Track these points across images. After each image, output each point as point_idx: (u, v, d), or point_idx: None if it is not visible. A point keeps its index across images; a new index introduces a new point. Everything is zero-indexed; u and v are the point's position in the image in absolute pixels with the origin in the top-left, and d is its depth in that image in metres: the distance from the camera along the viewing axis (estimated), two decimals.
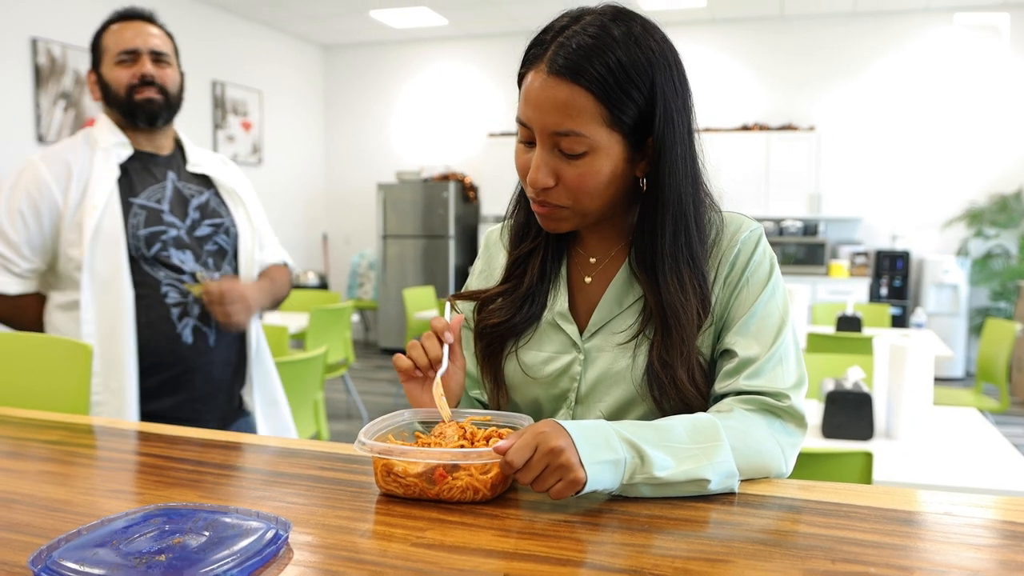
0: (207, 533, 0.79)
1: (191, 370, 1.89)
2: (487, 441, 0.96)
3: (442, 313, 1.08)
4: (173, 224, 1.91)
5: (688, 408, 1.03)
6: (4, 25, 5.27)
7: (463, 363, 1.10)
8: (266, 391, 2.08)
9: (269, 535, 0.78)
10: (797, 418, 1.01)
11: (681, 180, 1.01)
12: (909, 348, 2.16)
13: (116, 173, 1.86)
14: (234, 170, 2.13)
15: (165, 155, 1.99)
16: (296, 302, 5.80)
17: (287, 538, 0.79)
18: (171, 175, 1.96)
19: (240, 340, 2.02)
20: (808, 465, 1.64)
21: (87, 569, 0.71)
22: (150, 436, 1.24)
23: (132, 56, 1.90)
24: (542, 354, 1.11)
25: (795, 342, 1.05)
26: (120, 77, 1.89)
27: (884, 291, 6.93)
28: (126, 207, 1.86)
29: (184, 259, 1.90)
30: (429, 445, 0.97)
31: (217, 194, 2.03)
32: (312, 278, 8.08)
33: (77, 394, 1.62)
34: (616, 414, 1.06)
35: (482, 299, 1.16)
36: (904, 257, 6.88)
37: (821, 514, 0.88)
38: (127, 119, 1.92)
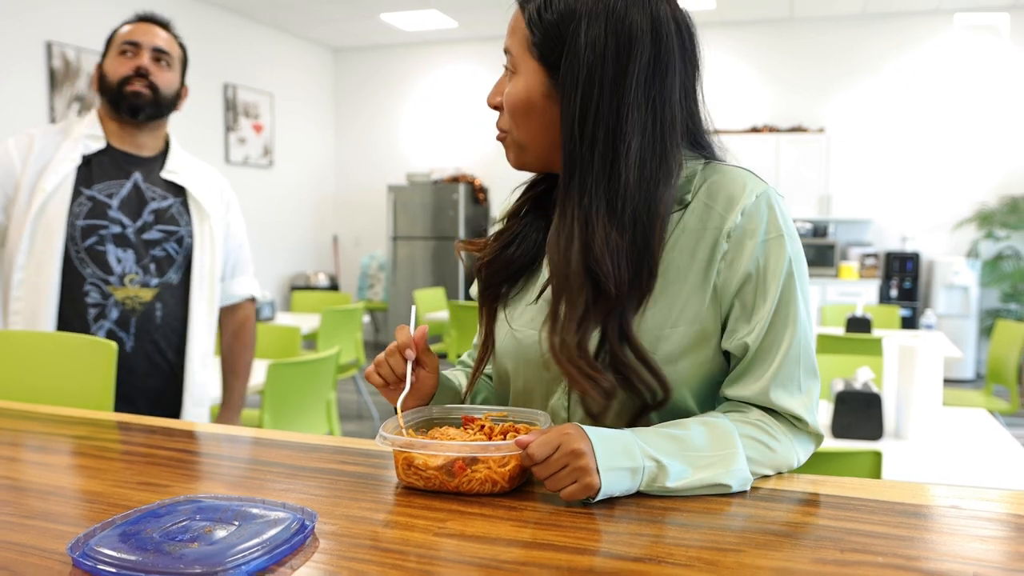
0: (236, 523, 0.81)
1: None
2: (505, 436, 0.99)
3: (413, 320, 1.08)
4: (118, 221, 1.90)
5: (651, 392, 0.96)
6: (20, 28, 5.33)
7: (435, 363, 1.08)
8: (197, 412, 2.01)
9: (296, 525, 0.81)
10: (815, 436, 1.02)
11: (584, 126, 0.95)
12: (919, 349, 2.18)
13: (76, 162, 1.88)
14: (219, 192, 2.08)
15: (140, 155, 1.98)
16: (307, 303, 5.84)
17: (313, 528, 0.82)
18: (137, 175, 1.95)
19: (176, 351, 1.98)
20: (818, 464, 1.65)
21: (123, 555, 0.74)
22: (174, 431, 1.27)
23: (133, 49, 1.93)
24: (531, 320, 1.06)
25: (809, 340, 0.99)
26: (117, 68, 1.92)
27: (894, 293, 6.93)
28: (76, 195, 1.87)
29: (123, 257, 1.88)
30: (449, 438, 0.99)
31: (184, 203, 2.00)
32: (323, 279, 8.13)
33: (101, 391, 1.65)
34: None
35: (482, 242, 1.14)
36: (914, 259, 6.87)
37: (831, 507, 0.90)
38: (112, 109, 1.93)
